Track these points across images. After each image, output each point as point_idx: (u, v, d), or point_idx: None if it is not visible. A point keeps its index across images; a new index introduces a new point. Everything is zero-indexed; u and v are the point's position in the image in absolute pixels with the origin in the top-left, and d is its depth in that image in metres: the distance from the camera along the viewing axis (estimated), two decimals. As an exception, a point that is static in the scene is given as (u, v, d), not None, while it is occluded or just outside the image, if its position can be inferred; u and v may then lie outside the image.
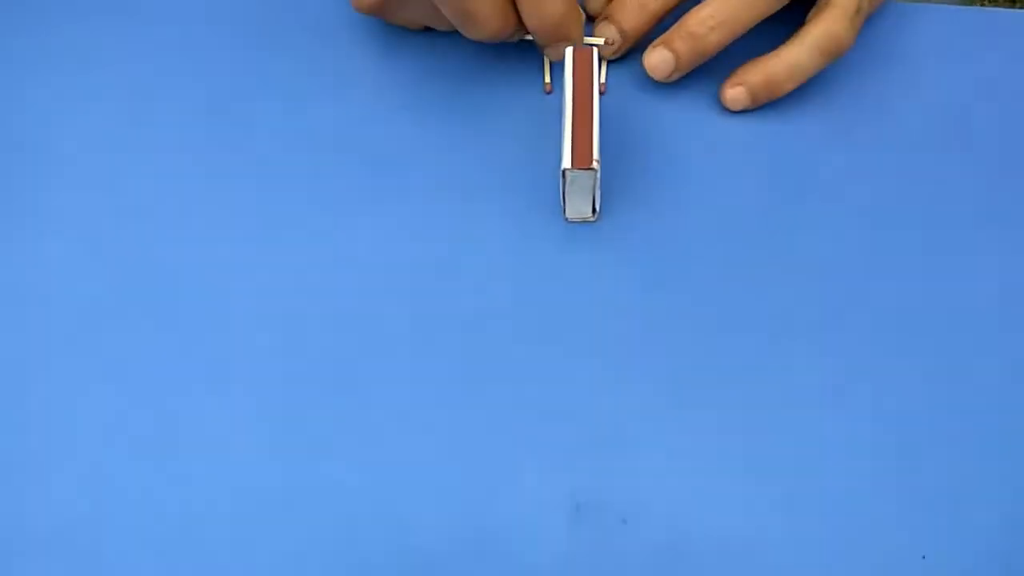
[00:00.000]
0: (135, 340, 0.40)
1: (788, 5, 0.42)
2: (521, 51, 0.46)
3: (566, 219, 0.42)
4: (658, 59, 0.43)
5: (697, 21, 0.42)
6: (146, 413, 0.39)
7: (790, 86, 0.43)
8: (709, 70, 0.44)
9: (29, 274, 0.42)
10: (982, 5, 1.35)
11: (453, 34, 0.45)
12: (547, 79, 0.45)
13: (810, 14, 0.43)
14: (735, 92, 0.43)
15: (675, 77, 0.43)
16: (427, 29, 0.45)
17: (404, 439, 0.38)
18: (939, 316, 0.40)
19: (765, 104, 0.44)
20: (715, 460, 0.37)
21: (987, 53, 0.47)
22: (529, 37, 0.43)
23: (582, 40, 0.43)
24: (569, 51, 0.41)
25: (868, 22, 0.46)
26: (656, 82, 0.44)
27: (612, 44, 0.44)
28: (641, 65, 0.44)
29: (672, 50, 0.42)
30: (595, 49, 0.41)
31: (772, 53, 0.43)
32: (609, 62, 0.45)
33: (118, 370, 0.40)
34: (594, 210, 0.41)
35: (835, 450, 0.37)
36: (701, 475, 0.37)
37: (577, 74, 0.40)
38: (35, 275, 0.42)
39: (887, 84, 0.45)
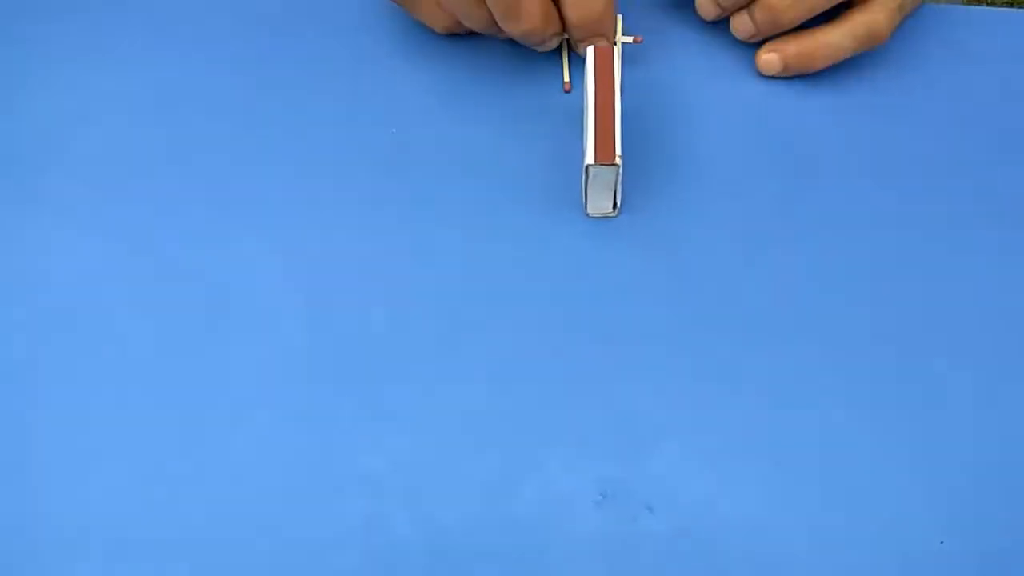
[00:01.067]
0: (164, 339, 0.41)
1: None
2: (539, 51, 0.46)
3: (587, 215, 0.42)
4: (741, 22, 0.45)
5: None
6: (172, 411, 0.39)
7: (821, 64, 0.45)
8: (731, 70, 0.46)
9: (38, 270, 0.43)
10: (980, 4, 1.36)
11: (473, 36, 0.46)
12: (566, 78, 0.46)
13: (855, 1, 0.45)
14: (769, 57, 0.45)
15: (755, 40, 0.46)
16: (450, 33, 0.46)
17: (431, 430, 0.39)
18: (959, 311, 0.41)
19: (796, 75, 0.46)
20: (739, 448, 0.38)
21: (995, 52, 0.47)
22: (562, 38, 0.45)
23: (613, 37, 0.44)
24: (590, 49, 0.41)
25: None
26: (673, 80, 0.45)
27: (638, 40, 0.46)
28: (657, 65, 0.45)
29: (753, 19, 0.45)
30: (616, 47, 0.42)
31: (811, 30, 0.44)
32: (625, 63, 0.46)
33: (148, 369, 0.40)
34: (615, 205, 0.42)
35: (855, 438, 0.38)
36: (725, 463, 0.38)
37: (598, 71, 0.41)
38: (42, 271, 0.43)
39: (906, 84, 0.46)
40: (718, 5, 0.45)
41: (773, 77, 0.46)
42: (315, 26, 0.48)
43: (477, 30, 0.43)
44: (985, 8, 0.50)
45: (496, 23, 0.42)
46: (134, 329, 0.41)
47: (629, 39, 0.45)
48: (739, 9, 0.45)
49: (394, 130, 0.45)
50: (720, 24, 0.46)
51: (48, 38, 0.49)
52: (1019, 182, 0.44)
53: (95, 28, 0.49)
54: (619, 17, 0.45)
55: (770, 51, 0.45)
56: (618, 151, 0.39)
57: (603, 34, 0.44)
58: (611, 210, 0.42)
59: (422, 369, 0.40)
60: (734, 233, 0.42)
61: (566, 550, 0.36)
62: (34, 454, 0.39)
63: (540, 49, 0.45)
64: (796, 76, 0.46)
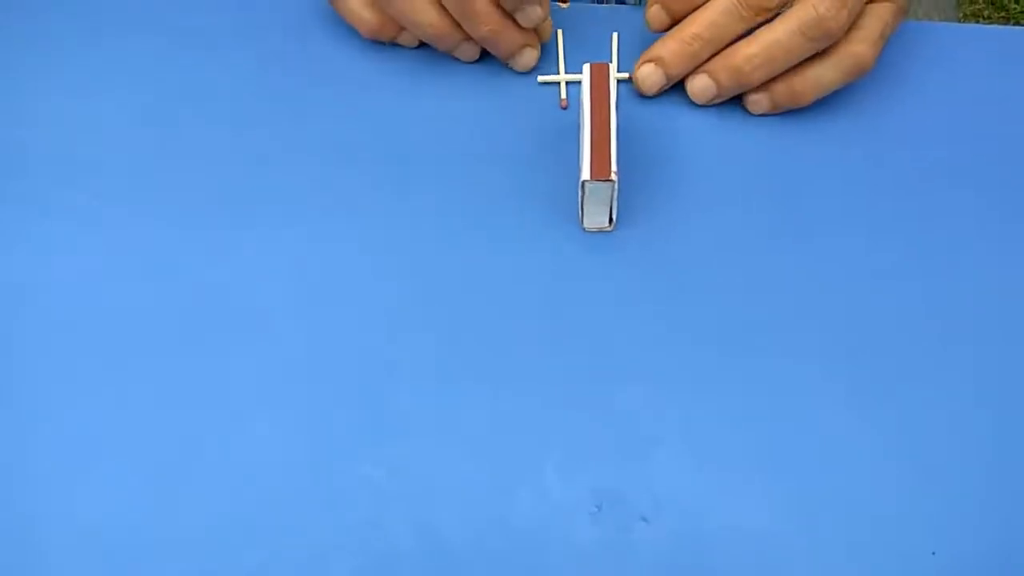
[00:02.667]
0: (165, 344, 0.41)
1: None
2: (537, 68, 0.47)
3: (583, 229, 0.43)
4: (701, 86, 0.45)
5: (744, 59, 0.43)
6: (172, 415, 0.40)
7: (810, 99, 0.45)
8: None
9: (36, 278, 0.43)
10: (977, 22, 1.37)
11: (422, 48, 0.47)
12: (563, 95, 0.47)
13: None
14: (757, 97, 0.45)
15: (715, 103, 0.46)
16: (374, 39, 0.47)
17: (427, 438, 0.39)
18: (943, 323, 0.41)
19: (786, 111, 0.46)
20: (733, 459, 0.38)
21: (985, 69, 0.48)
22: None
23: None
24: (586, 67, 0.42)
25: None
26: (669, 97, 0.46)
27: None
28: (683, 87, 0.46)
29: (715, 80, 0.44)
30: (611, 64, 0.43)
31: (798, 67, 0.44)
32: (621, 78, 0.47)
33: (149, 374, 0.41)
34: (611, 220, 0.43)
35: (849, 449, 0.38)
36: (719, 474, 0.38)
37: (594, 88, 0.42)
38: (39, 275, 0.43)
39: (896, 103, 0.47)
40: (665, 75, 0.45)
41: (763, 115, 0.46)
42: (314, 48, 0.49)
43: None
44: (974, 25, 0.51)
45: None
46: (135, 334, 0.42)
47: (625, 75, 0.46)
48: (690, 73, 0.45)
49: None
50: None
51: (48, 38, 0.50)
52: (1012, 194, 0.44)
53: (96, 31, 0.50)
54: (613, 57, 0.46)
55: (758, 90, 0.45)
56: (614, 167, 0.40)
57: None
58: (607, 224, 0.43)
59: (418, 378, 0.40)
60: (729, 246, 0.43)
61: (561, 560, 0.37)
62: (33, 459, 0.39)
63: (461, 56, 0.46)
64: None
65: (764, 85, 0.45)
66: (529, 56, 0.46)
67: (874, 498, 0.38)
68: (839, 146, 0.46)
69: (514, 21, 0.44)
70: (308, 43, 0.49)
